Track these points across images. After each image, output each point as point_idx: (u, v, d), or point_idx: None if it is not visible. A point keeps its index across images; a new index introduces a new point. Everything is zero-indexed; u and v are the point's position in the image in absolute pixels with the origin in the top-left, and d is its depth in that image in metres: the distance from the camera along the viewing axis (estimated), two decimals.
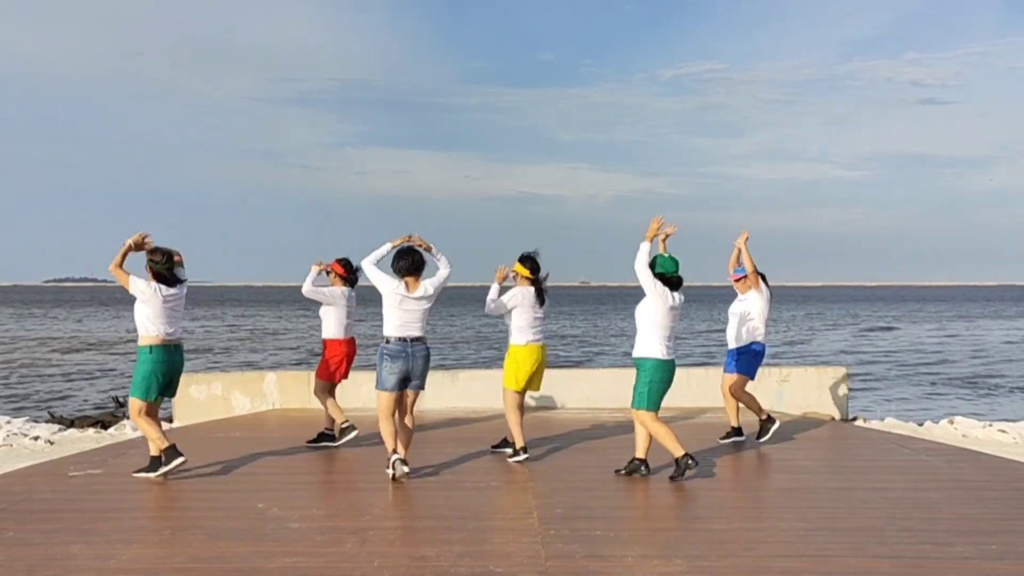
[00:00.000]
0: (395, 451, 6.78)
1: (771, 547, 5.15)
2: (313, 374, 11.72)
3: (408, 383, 6.87)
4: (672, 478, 6.78)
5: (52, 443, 10.92)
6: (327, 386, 8.42)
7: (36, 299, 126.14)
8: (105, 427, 12.36)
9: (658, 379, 6.75)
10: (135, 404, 6.88)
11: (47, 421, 13.13)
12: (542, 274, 7.61)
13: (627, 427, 9.51)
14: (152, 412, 6.98)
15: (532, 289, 7.56)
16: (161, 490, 6.63)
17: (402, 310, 6.79)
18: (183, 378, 11.18)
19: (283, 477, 7.09)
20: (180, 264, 6.99)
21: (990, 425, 11.85)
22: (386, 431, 6.82)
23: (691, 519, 5.88)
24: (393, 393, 6.81)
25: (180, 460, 6.78)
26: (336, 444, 8.26)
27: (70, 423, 12.97)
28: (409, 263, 6.83)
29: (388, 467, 6.78)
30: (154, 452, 6.90)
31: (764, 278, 8.47)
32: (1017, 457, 8.47)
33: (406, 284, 6.82)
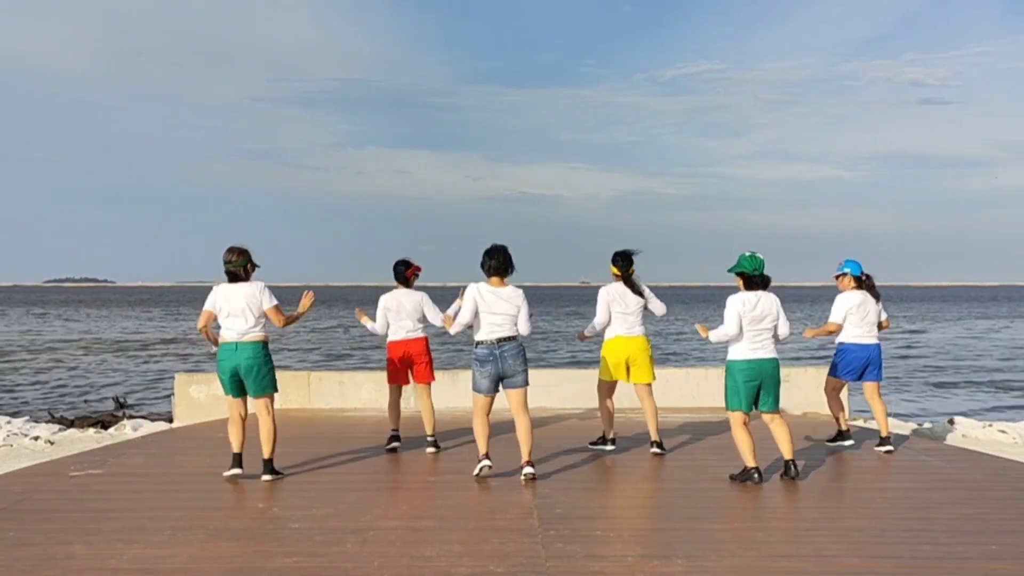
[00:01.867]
0: (485, 455, 6.86)
1: (771, 547, 5.15)
2: (313, 375, 11.77)
3: (502, 383, 6.83)
4: (732, 477, 6.82)
5: (52, 443, 10.93)
6: (391, 388, 8.34)
7: (39, 299, 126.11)
8: (105, 427, 12.35)
9: (730, 379, 6.79)
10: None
11: (47, 421, 13.13)
12: (630, 270, 7.78)
13: (626, 427, 9.51)
14: (234, 410, 7.00)
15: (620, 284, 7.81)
16: (161, 490, 6.63)
17: (488, 312, 6.74)
18: (183, 378, 11.31)
19: (283, 477, 7.09)
20: (233, 262, 6.90)
21: (990, 425, 11.84)
22: (477, 431, 6.92)
23: (691, 519, 5.88)
24: (485, 396, 6.86)
25: (233, 472, 6.93)
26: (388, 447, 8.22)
27: (70, 423, 12.97)
28: (499, 261, 6.78)
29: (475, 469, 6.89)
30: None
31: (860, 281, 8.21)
32: (1017, 457, 8.47)
33: (491, 283, 6.80)
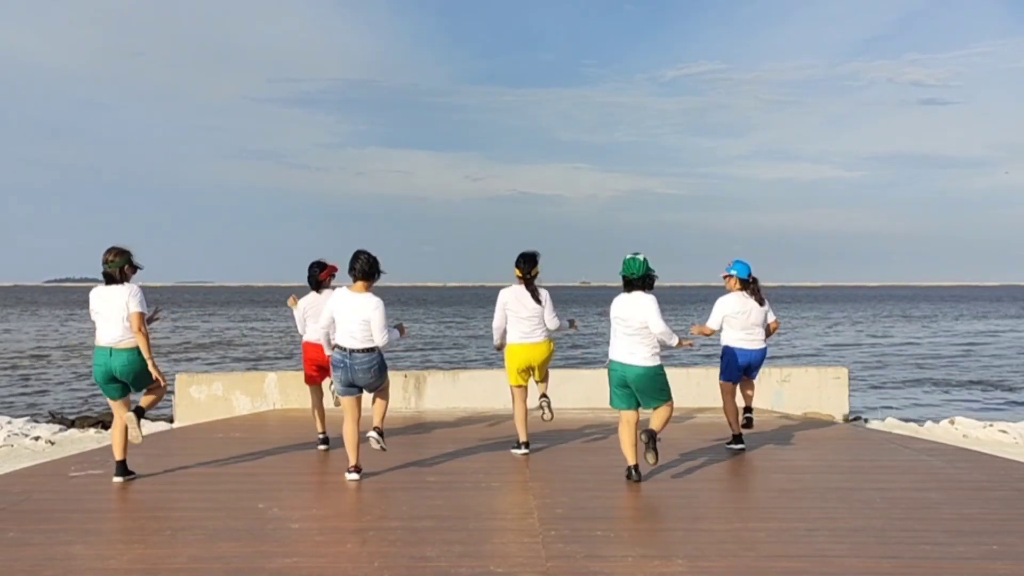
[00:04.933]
0: (354, 467, 6.89)
1: (771, 547, 5.15)
2: None
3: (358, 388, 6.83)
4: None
5: (53, 443, 10.95)
6: (310, 390, 8.47)
7: (39, 299, 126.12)
8: (105, 427, 12.37)
9: (609, 378, 6.85)
10: None
11: (48, 421, 13.16)
12: (532, 272, 7.61)
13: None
14: (117, 412, 6.80)
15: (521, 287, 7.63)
16: (161, 490, 6.63)
17: (342, 319, 6.74)
18: (183, 378, 11.30)
19: (283, 477, 7.09)
20: (109, 262, 6.59)
21: (990, 425, 11.87)
22: (345, 436, 6.94)
23: (691, 519, 5.88)
24: (344, 397, 6.86)
25: (119, 479, 6.82)
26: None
27: (70, 423, 13.00)
28: (359, 267, 6.67)
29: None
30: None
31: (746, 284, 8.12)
32: (1017, 457, 8.47)
33: (353, 288, 6.76)
